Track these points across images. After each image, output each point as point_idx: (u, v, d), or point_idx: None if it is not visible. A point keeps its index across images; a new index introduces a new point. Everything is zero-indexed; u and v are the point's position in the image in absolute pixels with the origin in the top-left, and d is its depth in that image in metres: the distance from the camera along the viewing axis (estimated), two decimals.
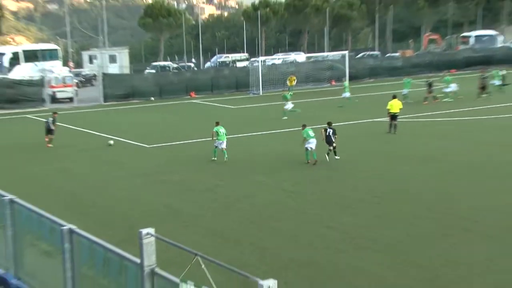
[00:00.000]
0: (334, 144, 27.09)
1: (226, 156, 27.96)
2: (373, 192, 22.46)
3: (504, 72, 51.76)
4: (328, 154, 27.03)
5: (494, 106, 42.01)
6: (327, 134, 26.91)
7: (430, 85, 45.99)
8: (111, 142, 31.62)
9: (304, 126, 27.60)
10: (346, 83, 49.25)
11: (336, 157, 27.25)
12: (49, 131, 33.60)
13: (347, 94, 46.45)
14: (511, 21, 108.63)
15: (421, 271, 15.30)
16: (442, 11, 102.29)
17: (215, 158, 28.15)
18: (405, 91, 45.98)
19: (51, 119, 33.85)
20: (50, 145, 33.30)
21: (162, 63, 79.24)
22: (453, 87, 46.72)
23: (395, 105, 33.57)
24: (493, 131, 33.62)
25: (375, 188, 23.06)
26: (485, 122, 36.74)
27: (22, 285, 10.25)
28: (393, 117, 33.47)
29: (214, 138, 28.40)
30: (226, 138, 28.45)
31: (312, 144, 26.81)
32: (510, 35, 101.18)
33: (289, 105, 41.33)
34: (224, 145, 28.13)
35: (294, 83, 56.87)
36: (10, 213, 12.39)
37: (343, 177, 24.85)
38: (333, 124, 27.95)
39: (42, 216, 11.84)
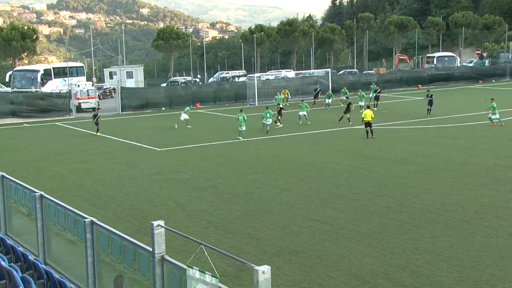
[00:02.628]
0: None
1: (240, 136, 34.22)
2: (353, 189, 22.34)
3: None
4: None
5: (455, 116, 41.99)
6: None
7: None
8: (176, 125, 33.63)
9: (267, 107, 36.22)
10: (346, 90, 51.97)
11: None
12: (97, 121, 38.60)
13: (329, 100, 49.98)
14: (467, 45, 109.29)
15: (394, 257, 15.17)
16: (410, 35, 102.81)
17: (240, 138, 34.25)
18: (361, 103, 46.23)
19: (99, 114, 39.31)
20: (99, 133, 38.36)
21: (181, 78, 79.08)
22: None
23: (368, 114, 33.93)
24: (455, 137, 33.58)
25: (354, 186, 22.95)
26: (447, 129, 36.65)
27: (50, 270, 10.08)
28: (368, 124, 33.72)
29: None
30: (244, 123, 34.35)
31: (267, 121, 36.24)
32: (466, 57, 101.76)
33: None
34: (243, 128, 34.33)
35: (288, 95, 56.94)
36: (40, 207, 12.25)
37: (326, 177, 24.72)
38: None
39: (67, 209, 11.71)
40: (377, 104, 48.34)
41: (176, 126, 34.35)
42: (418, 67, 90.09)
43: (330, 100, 51.13)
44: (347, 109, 38.87)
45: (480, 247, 15.82)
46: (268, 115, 37.09)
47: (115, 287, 9.85)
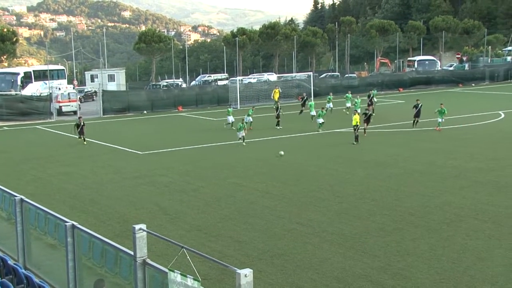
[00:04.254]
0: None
1: (240, 139, 33.37)
2: (335, 193, 22.42)
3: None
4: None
5: (435, 119, 42.27)
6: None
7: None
8: (282, 152, 27.25)
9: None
10: (312, 102, 45.80)
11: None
12: (82, 131, 35.88)
13: (313, 113, 43.30)
14: (447, 48, 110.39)
15: (375, 260, 15.25)
16: (391, 39, 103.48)
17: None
18: (348, 104, 46.26)
19: (82, 123, 35.96)
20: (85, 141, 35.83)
21: (166, 81, 78.92)
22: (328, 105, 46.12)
23: (356, 119, 33.56)
24: (436, 141, 33.83)
25: (336, 189, 23.02)
26: (427, 132, 36.92)
27: (30, 274, 9.99)
28: (354, 127, 33.38)
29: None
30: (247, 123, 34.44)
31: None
32: (446, 60, 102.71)
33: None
34: (241, 134, 33.26)
35: (278, 95, 56.27)
36: (20, 211, 12.15)
37: (309, 180, 24.77)
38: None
39: (48, 213, 11.64)
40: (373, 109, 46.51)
41: (282, 153, 29.20)
42: (399, 71, 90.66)
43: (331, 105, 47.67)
44: (367, 120, 35.57)
45: (460, 249, 15.96)
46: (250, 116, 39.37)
47: None
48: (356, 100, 44.78)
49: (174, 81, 77.86)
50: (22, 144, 37.52)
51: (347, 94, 48.73)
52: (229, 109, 42.33)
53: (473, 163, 27.16)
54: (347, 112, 44.22)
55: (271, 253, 15.96)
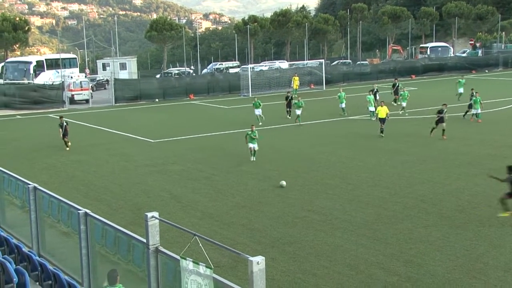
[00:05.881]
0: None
1: (254, 157, 26.20)
2: (347, 180, 22.38)
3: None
4: None
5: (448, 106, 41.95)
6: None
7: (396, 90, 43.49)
8: (283, 182, 21.68)
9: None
10: (342, 94, 40.63)
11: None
12: (65, 134, 30.79)
13: (343, 105, 39.90)
14: (460, 35, 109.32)
15: (388, 247, 15.23)
16: (403, 26, 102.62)
17: (253, 159, 26.12)
18: (342, 105, 40.00)
19: (65, 123, 30.87)
20: (68, 146, 30.70)
21: (175, 69, 78.91)
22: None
23: (382, 111, 31.79)
24: (448, 127, 33.59)
25: (348, 176, 22.98)
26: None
27: (44, 262, 10.06)
28: (381, 120, 31.64)
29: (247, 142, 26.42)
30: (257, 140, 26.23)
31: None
32: (459, 47, 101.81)
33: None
34: (254, 147, 26.19)
35: (298, 83, 55.92)
36: (34, 199, 12.22)
37: (320, 168, 24.73)
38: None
39: (61, 201, 11.69)
40: (396, 99, 42.70)
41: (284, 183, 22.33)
42: (412, 58, 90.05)
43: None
44: (441, 120, 30.50)
45: (473, 236, 15.89)
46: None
47: (109, 282, 9.87)
48: (402, 92, 40.33)
49: (185, 69, 77.77)
50: (35, 132, 37.71)
51: (340, 93, 40.82)
52: (257, 102, 37.48)
53: (486, 150, 26.98)
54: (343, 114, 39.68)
55: (283, 240, 15.98)
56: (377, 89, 41.79)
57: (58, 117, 32.82)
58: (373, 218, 17.58)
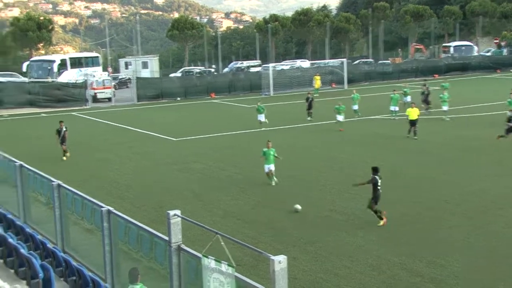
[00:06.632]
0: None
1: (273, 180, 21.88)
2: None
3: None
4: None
5: (473, 106, 41.58)
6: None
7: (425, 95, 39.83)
8: (299, 207, 18.77)
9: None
10: (356, 95, 39.12)
11: None
12: (63, 139, 27.92)
13: (355, 107, 38.16)
14: (484, 33, 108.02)
15: (410, 247, 15.14)
16: (426, 25, 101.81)
17: (273, 183, 21.85)
18: (355, 107, 38.19)
19: (64, 129, 27.91)
20: (66, 156, 27.93)
21: (195, 68, 79.20)
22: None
23: (412, 113, 30.65)
24: (473, 128, 33.30)
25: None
26: (464, 119, 36.30)
27: (68, 258, 10.17)
28: (412, 123, 30.55)
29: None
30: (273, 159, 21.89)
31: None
32: (483, 46, 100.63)
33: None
34: (271, 168, 21.85)
35: (319, 83, 55.75)
36: (58, 196, 12.35)
37: (342, 167, 24.65)
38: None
39: (85, 198, 11.80)
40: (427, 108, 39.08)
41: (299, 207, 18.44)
42: (435, 57, 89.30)
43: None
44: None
45: (497, 238, 15.73)
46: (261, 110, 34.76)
47: (130, 280, 9.96)
48: (442, 95, 37.10)
49: (203, 68, 77.85)
50: None
51: (353, 95, 39.14)
52: (260, 107, 35.48)
53: None
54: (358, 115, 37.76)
55: (305, 240, 15.96)
56: (428, 92, 39.31)
57: (63, 120, 29.10)
58: (395, 218, 17.47)
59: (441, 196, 19.73)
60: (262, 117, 35.05)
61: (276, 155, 21.83)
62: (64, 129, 27.82)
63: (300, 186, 21.66)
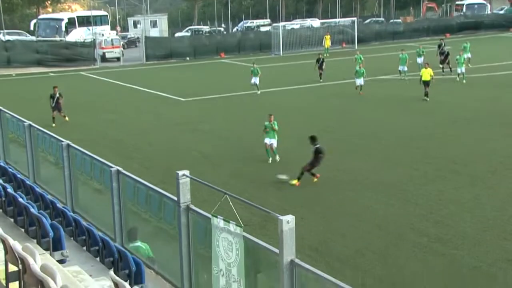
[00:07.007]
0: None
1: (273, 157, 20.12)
2: (378, 140, 22.26)
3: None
4: None
5: (484, 65, 41.11)
6: None
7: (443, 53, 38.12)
8: (283, 177, 18.04)
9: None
10: (360, 56, 37.53)
11: None
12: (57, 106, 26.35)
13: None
14: None
15: (417, 208, 15.21)
16: None
17: (270, 161, 20.04)
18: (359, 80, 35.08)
19: (58, 95, 26.21)
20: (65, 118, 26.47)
21: (196, 27, 78.51)
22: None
23: (425, 73, 30.07)
24: (483, 87, 33.03)
25: (379, 136, 22.84)
26: (475, 79, 35.95)
27: (78, 217, 10.28)
28: (425, 83, 29.87)
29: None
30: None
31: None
32: (496, 4, 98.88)
33: None
34: (272, 143, 20.03)
35: (329, 42, 55.20)
36: (67, 156, 12.41)
37: (351, 127, 24.61)
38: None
39: (94, 159, 11.86)
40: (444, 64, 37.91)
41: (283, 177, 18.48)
42: (447, 15, 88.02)
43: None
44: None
45: (504, 197, 15.77)
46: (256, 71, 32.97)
47: (129, 238, 10.16)
48: (458, 57, 35.07)
49: (207, 28, 76.95)
50: (67, 90, 37.90)
51: (356, 56, 37.85)
52: (256, 69, 33.84)
53: None
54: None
55: (312, 200, 16.06)
56: (448, 51, 37.97)
57: (53, 87, 26.96)
58: (403, 179, 17.52)
59: (449, 156, 19.71)
60: (256, 80, 33.36)
61: (277, 128, 19.87)
62: (58, 95, 26.14)
63: (307, 145, 21.64)
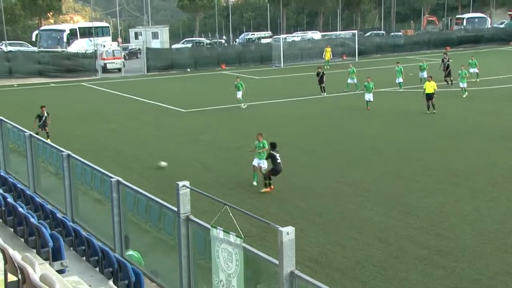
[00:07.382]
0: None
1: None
2: (378, 152, 22.26)
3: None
4: None
5: (484, 78, 41.17)
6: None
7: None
8: (163, 164, 19.66)
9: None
10: (353, 69, 38.47)
11: None
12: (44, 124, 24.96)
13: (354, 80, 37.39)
14: (499, 5, 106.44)
15: (418, 220, 15.18)
16: None
17: (255, 183, 18.57)
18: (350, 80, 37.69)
19: (46, 114, 24.93)
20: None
21: (196, 39, 78.78)
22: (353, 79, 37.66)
23: (429, 86, 30.00)
24: (484, 101, 33.07)
25: (380, 148, 22.84)
26: (475, 92, 35.98)
27: (77, 227, 10.27)
28: (428, 96, 29.79)
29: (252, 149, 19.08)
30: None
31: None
32: (497, 18, 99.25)
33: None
34: (262, 165, 18.50)
35: (330, 55, 55.45)
36: (67, 166, 12.41)
37: (352, 139, 24.62)
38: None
39: (94, 169, 11.86)
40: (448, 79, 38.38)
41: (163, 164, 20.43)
42: (447, 29, 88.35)
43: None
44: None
45: (505, 210, 15.74)
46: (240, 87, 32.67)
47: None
48: (460, 71, 34.95)
49: (208, 40, 77.24)
50: (68, 100, 38.17)
51: (349, 69, 38.42)
52: (239, 83, 33.29)
53: None
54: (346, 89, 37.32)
55: (312, 211, 16.03)
56: (448, 64, 38.54)
57: (40, 107, 25.43)
58: (404, 191, 17.51)
59: (450, 169, 19.70)
60: (239, 94, 32.94)
61: (266, 146, 18.43)
62: (46, 114, 24.98)
63: (308, 157, 21.68)
